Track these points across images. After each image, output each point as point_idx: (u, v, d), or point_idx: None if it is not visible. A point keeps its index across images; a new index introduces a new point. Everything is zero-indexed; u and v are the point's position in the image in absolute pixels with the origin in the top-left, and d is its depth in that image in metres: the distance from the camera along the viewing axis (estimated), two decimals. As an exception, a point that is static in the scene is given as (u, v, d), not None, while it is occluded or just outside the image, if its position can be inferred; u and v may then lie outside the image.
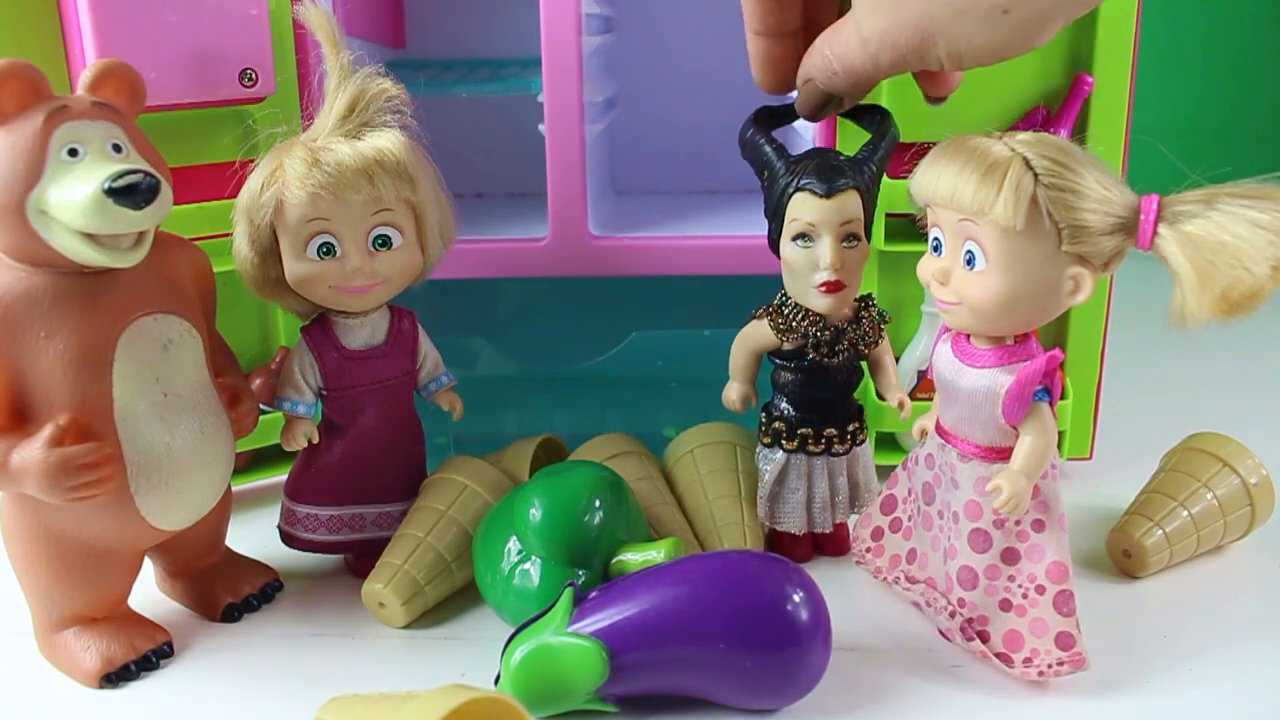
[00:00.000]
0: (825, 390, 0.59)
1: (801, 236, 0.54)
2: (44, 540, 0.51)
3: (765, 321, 0.58)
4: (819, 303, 0.55)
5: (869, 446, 0.61)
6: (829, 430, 0.59)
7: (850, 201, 0.54)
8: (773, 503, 0.60)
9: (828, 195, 0.53)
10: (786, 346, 0.58)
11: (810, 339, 0.57)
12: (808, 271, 0.55)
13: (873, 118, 0.56)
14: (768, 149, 0.55)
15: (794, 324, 0.57)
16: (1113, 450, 0.72)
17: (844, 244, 0.54)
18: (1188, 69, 1.33)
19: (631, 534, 0.55)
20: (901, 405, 0.60)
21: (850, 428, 0.59)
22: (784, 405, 0.60)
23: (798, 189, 0.54)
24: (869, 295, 0.59)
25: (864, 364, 0.60)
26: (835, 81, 0.50)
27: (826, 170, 0.54)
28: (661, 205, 0.80)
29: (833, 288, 0.55)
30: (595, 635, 0.47)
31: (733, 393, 0.61)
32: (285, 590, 0.60)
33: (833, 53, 0.50)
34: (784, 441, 0.59)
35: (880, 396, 0.61)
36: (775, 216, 0.55)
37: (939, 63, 0.46)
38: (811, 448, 0.59)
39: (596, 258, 0.69)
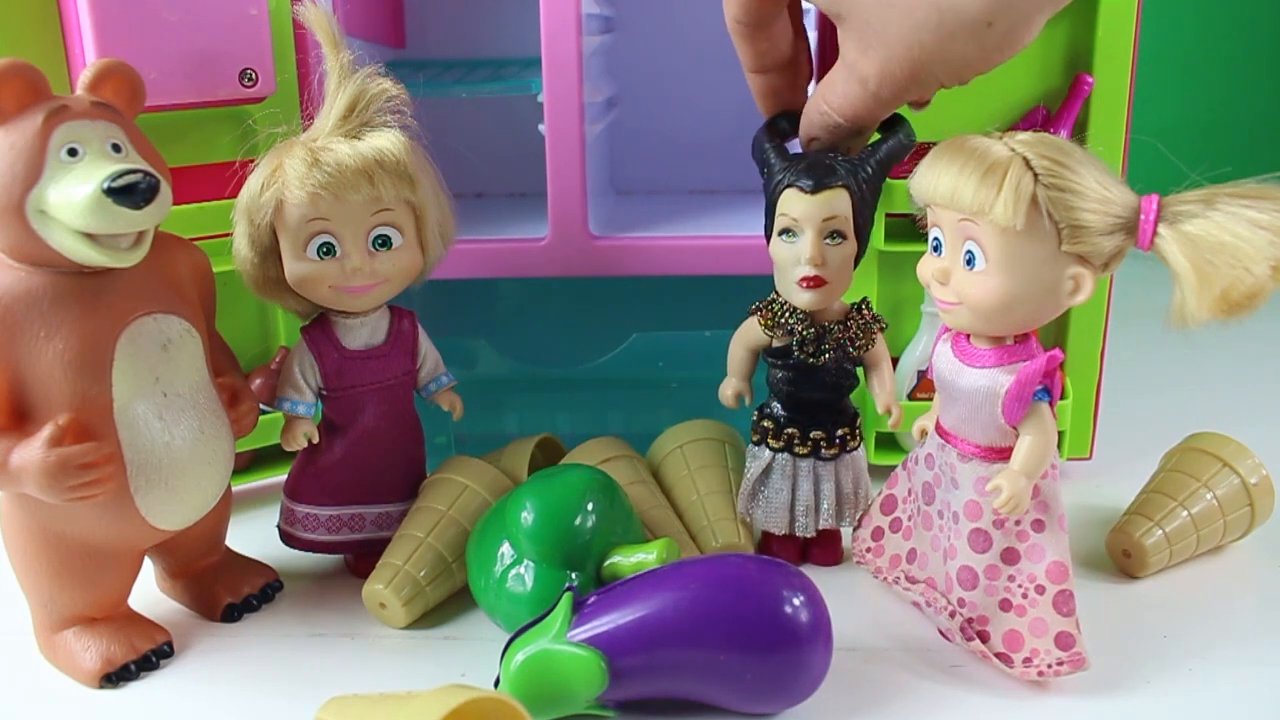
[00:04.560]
0: (813, 391, 0.58)
1: (786, 231, 0.55)
2: (44, 540, 0.51)
3: (756, 317, 0.58)
4: (800, 298, 0.55)
5: (861, 456, 0.60)
6: (816, 433, 0.59)
7: (837, 200, 0.54)
8: (754, 500, 0.60)
9: (814, 192, 0.53)
10: (775, 343, 0.58)
11: (796, 336, 0.57)
12: (790, 266, 0.55)
13: (888, 120, 0.56)
14: (768, 147, 0.56)
15: (781, 320, 0.57)
16: (1113, 450, 0.72)
17: (827, 241, 0.54)
18: (1188, 69, 1.33)
19: (625, 536, 0.55)
20: (889, 412, 0.59)
21: (840, 433, 0.59)
22: (774, 404, 0.60)
23: (787, 185, 0.54)
24: (864, 299, 0.58)
25: (861, 369, 0.60)
26: (840, 132, 0.53)
27: (817, 168, 0.54)
28: (661, 205, 0.80)
29: (813, 283, 0.55)
30: (595, 642, 0.47)
31: (728, 389, 0.61)
32: (285, 590, 0.60)
33: (831, 106, 0.52)
34: (770, 440, 0.59)
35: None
36: (768, 213, 0.56)
37: (938, 83, 0.48)
38: (798, 449, 0.59)
39: (596, 258, 0.69)
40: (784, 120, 0.57)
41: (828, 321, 0.57)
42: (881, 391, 0.59)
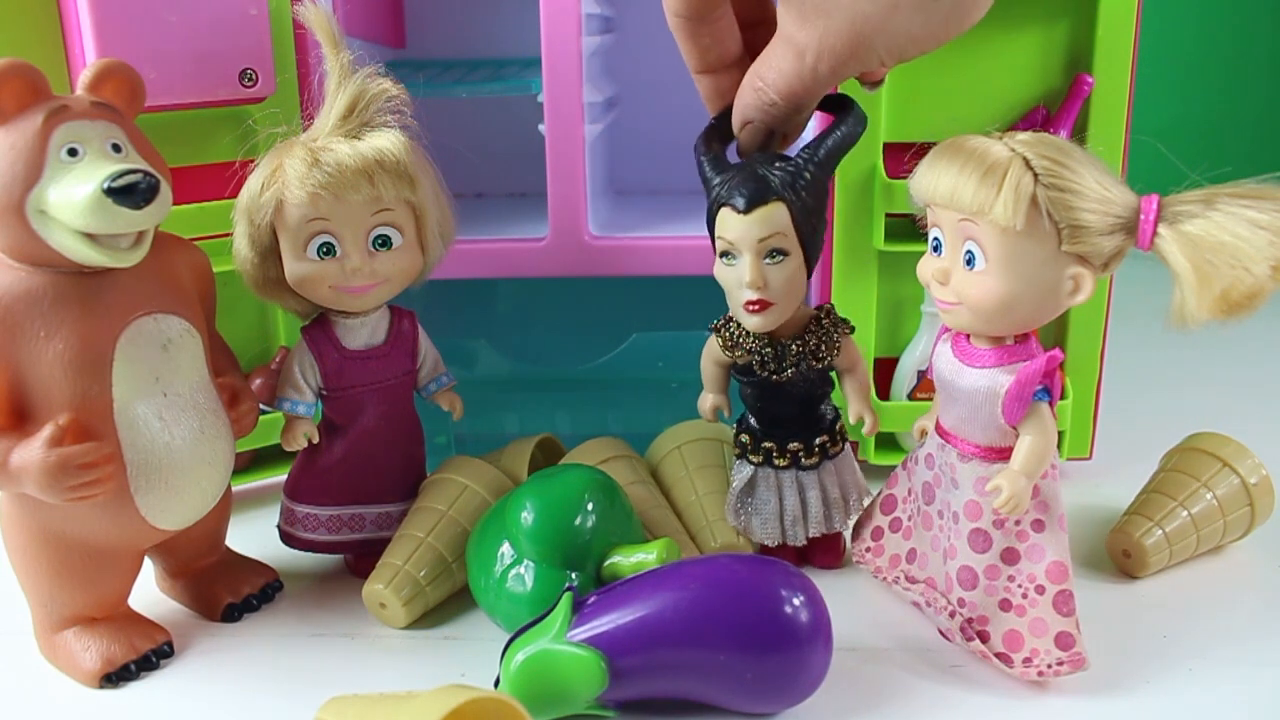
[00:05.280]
0: (783, 405, 0.57)
1: (725, 254, 0.53)
2: (44, 540, 0.51)
3: (714, 337, 0.57)
4: (749, 322, 0.53)
5: (848, 457, 0.59)
6: (793, 444, 0.57)
7: (775, 215, 0.51)
8: (742, 513, 0.59)
9: (746, 210, 0.50)
10: (739, 361, 0.56)
11: (756, 356, 0.55)
12: (735, 289, 0.53)
13: (838, 104, 0.54)
14: (704, 160, 0.53)
15: (738, 340, 0.56)
16: (1113, 450, 0.72)
17: (767, 260, 0.52)
18: (1188, 69, 1.33)
19: (625, 536, 0.55)
20: (862, 420, 0.58)
21: (819, 441, 0.57)
22: (750, 418, 0.59)
23: (721, 204, 0.52)
24: (827, 305, 0.57)
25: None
26: (775, 111, 0.49)
27: (750, 183, 0.51)
28: (661, 205, 0.80)
29: (758, 306, 0.52)
30: (595, 643, 0.47)
31: (705, 403, 0.60)
32: (285, 590, 0.60)
33: (765, 82, 0.49)
34: (750, 455, 0.58)
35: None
36: (710, 231, 0.53)
37: (879, 61, 0.46)
38: (777, 461, 0.58)
39: (596, 258, 0.69)
40: (723, 120, 0.53)
41: (785, 338, 0.55)
42: (855, 398, 0.58)
